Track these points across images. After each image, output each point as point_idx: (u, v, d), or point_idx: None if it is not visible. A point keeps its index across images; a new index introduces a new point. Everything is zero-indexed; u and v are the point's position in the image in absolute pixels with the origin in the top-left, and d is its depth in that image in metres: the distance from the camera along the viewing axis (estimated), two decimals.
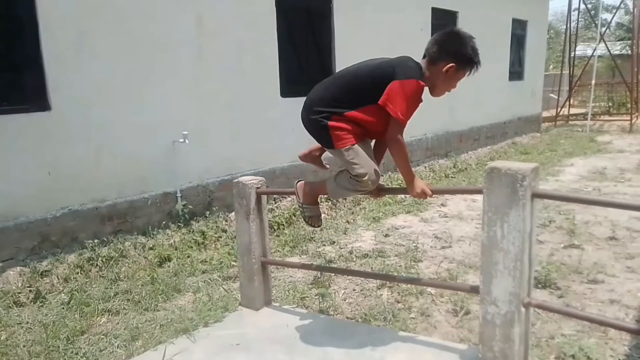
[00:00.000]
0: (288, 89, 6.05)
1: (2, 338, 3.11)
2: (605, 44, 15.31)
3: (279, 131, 5.99)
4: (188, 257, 4.47)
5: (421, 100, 2.44)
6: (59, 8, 4.16)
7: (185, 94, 5.12)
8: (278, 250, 4.63)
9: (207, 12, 5.23)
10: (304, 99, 2.58)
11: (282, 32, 5.97)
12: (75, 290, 3.78)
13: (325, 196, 3.01)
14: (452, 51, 2.36)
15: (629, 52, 17.90)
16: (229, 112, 5.56)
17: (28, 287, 3.79)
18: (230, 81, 5.53)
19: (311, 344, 2.75)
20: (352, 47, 6.64)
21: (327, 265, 4.15)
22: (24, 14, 4.02)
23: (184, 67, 5.09)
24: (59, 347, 2.95)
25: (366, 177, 2.42)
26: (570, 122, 15.24)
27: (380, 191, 2.72)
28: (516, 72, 11.57)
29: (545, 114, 14.43)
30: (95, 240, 4.41)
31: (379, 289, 3.63)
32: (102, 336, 3.06)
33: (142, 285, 3.87)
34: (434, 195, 2.61)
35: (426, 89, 2.44)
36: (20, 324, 3.30)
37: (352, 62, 2.63)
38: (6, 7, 3.97)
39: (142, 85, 4.78)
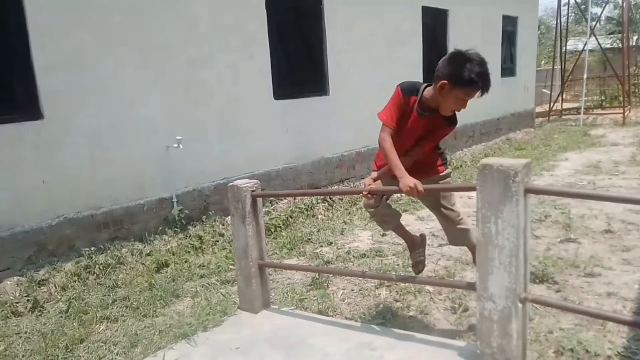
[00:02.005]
0: (281, 91, 6.05)
1: (0, 348, 3.10)
2: (596, 38, 15.39)
3: (273, 133, 5.99)
4: (185, 262, 4.47)
5: (433, 122, 2.65)
6: (49, 16, 4.15)
7: (178, 98, 5.12)
8: (276, 253, 4.63)
9: (198, 16, 5.24)
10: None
11: (273, 34, 5.98)
12: (73, 298, 3.78)
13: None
14: (447, 69, 2.44)
15: (620, 45, 18.03)
16: (222, 116, 5.56)
17: (26, 296, 3.79)
18: (223, 84, 5.54)
19: (310, 345, 2.75)
20: (343, 48, 6.63)
21: (325, 266, 4.16)
22: (14, 23, 4.01)
23: (176, 72, 5.09)
24: (58, 356, 2.94)
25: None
26: (564, 117, 15.30)
27: (369, 191, 2.77)
28: (508, 68, 11.60)
29: (538, 109, 14.49)
30: (92, 248, 4.41)
31: (377, 288, 3.64)
32: (101, 344, 3.06)
33: (140, 291, 3.87)
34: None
35: None
36: (18, 333, 3.29)
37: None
38: None
39: (135, 91, 4.77)
